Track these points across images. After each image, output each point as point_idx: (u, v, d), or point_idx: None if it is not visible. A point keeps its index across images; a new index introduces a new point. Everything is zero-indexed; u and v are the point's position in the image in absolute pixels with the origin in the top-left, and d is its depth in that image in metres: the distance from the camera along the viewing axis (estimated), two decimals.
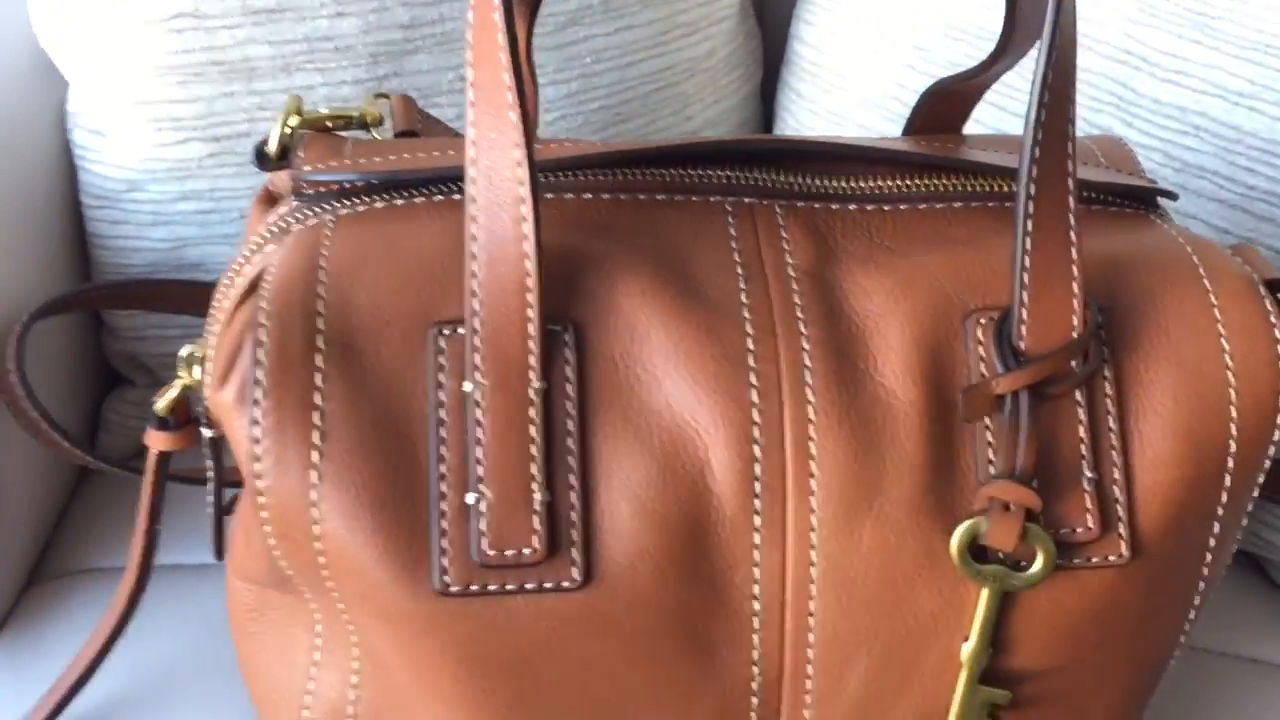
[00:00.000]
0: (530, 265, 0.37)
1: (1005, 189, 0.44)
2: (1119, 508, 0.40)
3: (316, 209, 0.41)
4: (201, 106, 0.59)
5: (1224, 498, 0.42)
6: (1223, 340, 0.41)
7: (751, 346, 0.39)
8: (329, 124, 0.46)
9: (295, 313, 0.38)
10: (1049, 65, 0.38)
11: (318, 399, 0.38)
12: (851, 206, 0.43)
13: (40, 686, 0.53)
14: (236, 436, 0.38)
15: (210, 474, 0.43)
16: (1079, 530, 0.40)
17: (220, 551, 0.44)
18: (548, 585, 0.38)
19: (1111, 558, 0.40)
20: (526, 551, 0.38)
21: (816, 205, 0.43)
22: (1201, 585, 0.43)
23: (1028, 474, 0.39)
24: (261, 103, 0.59)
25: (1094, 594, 0.41)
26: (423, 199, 0.41)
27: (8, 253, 0.57)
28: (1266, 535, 0.60)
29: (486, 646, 0.39)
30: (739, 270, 0.41)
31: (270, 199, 0.45)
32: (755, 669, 0.40)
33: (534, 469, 0.38)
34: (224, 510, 0.44)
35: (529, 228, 0.37)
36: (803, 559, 0.39)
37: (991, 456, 0.40)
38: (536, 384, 0.38)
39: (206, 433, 0.42)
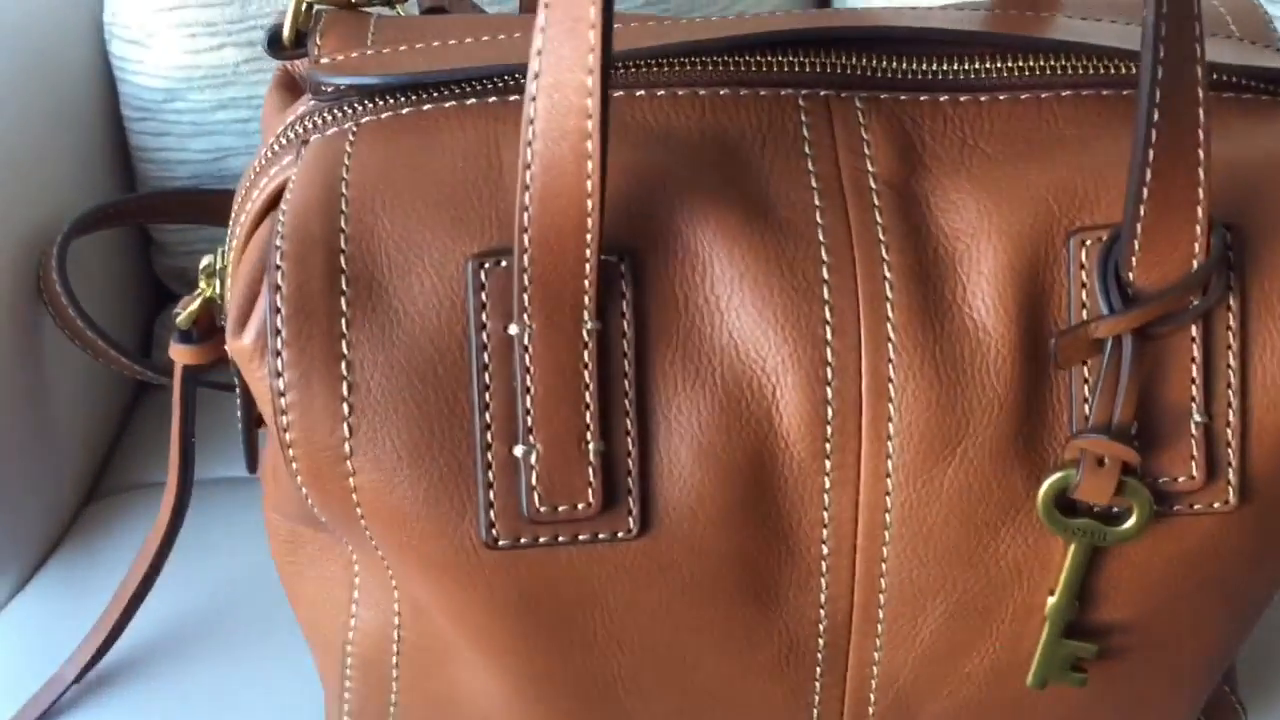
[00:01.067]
0: (592, 204, 0.34)
1: (1122, 71, 0.39)
2: (1230, 451, 0.37)
3: (336, 112, 0.38)
4: (235, 9, 0.59)
5: None
6: None
7: (826, 276, 0.37)
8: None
9: (316, 250, 0.36)
10: None
11: (344, 347, 0.35)
12: (943, 97, 0.39)
13: (99, 599, 0.53)
14: (258, 387, 0.37)
15: (238, 384, 0.41)
16: (1181, 480, 0.37)
17: (253, 465, 0.44)
18: (602, 536, 0.37)
19: (1216, 505, 0.38)
20: (580, 506, 0.36)
21: (903, 96, 0.39)
22: None
23: (1125, 427, 0.36)
24: None
25: (1193, 542, 0.38)
26: (453, 102, 0.38)
27: (51, 166, 0.58)
28: None
29: (535, 597, 0.38)
30: (813, 184, 0.37)
31: (290, 83, 0.42)
32: (822, 612, 0.39)
33: (588, 417, 0.36)
34: (255, 423, 0.42)
35: (594, 165, 0.34)
36: (877, 504, 0.37)
37: (1088, 399, 0.37)
38: (591, 324, 0.35)
39: (230, 340, 0.40)
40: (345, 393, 0.35)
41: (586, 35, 0.33)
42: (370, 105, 0.38)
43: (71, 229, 0.54)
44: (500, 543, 0.36)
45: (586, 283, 0.35)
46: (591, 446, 0.36)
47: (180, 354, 0.43)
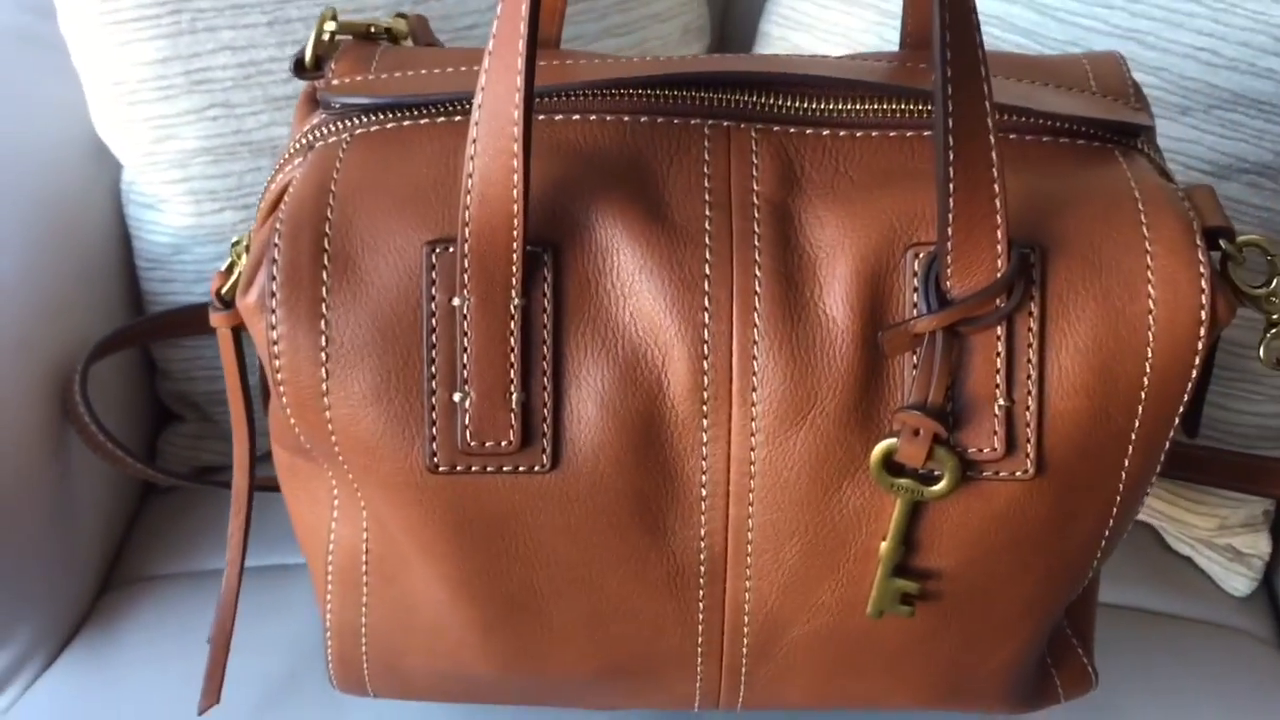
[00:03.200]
0: (517, 207, 0.41)
1: None
2: (1028, 430, 0.42)
3: (337, 124, 0.45)
4: (234, 180, 0.66)
5: (1136, 429, 0.43)
6: (1150, 287, 0.42)
7: (708, 272, 0.43)
8: (369, 29, 0.49)
9: (305, 233, 0.42)
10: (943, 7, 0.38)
11: (323, 309, 0.42)
12: (825, 132, 0.44)
13: (117, 676, 0.58)
14: (258, 337, 0.43)
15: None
16: (985, 450, 0.42)
17: (265, 403, 0.49)
18: (521, 469, 0.43)
19: (1017, 473, 0.43)
20: (504, 443, 0.43)
21: (791, 130, 0.44)
22: (1118, 504, 0.45)
23: (937, 406, 0.42)
24: None
25: (1000, 504, 0.44)
26: (426, 120, 0.45)
27: (73, 312, 0.63)
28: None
29: (467, 515, 0.44)
30: (706, 197, 0.43)
31: (313, 101, 0.48)
32: (702, 544, 0.45)
33: (512, 374, 0.42)
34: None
35: (519, 176, 0.40)
36: (744, 458, 0.43)
37: (915, 375, 0.42)
38: (517, 300, 0.42)
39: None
40: (323, 344, 0.42)
41: (514, 79, 0.40)
42: (364, 120, 0.45)
43: (91, 356, 0.60)
44: (440, 468, 0.43)
45: (514, 267, 0.42)
46: (514, 397, 0.42)
47: (223, 320, 0.47)
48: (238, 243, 0.47)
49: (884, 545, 0.44)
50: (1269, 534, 0.67)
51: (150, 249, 0.69)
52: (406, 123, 0.45)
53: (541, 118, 0.45)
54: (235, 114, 0.65)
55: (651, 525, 0.45)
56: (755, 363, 0.43)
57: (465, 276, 0.42)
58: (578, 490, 0.44)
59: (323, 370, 0.43)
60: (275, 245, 0.42)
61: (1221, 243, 0.43)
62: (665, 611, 0.47)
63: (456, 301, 0.42)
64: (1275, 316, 0.44)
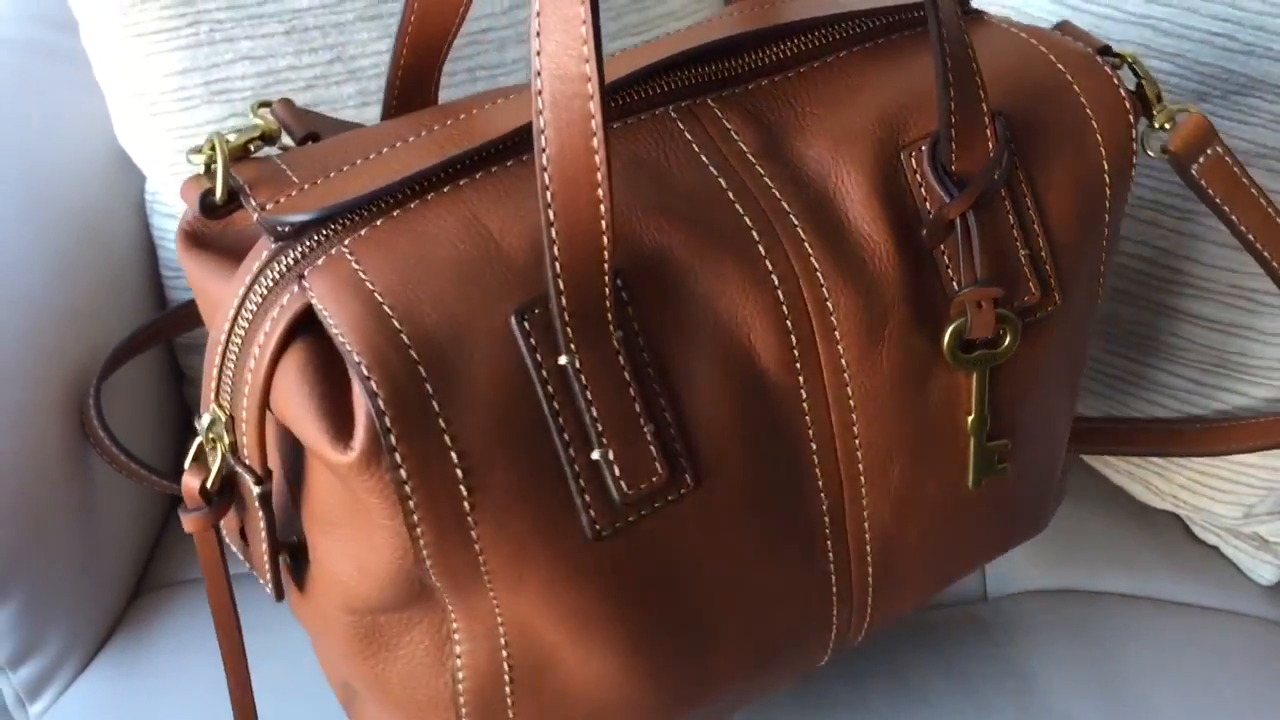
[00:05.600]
0: (606, 239, 0.38)
1: (878, 24, 0.48)
2: (1048, 268, 0.47)
3: (309, 242, 0.39)
4: None
5: (1106, 225, 0.49)
6: (1087, 110, 0.48)
7: (757, 239, 0.43)
8: (250, 148, 0.43)
9: (389, 353, 0.37)
10: None
11: (443, 423, 0.38)
12: (764, 81, 0.46)
13: (148, 680, 0.59)
14: (368, 493, 0.38)
15: (264, 525, 0.41)
16: (1027, 297, 0.47)
17: (280, 594, 0.44)
18: (671, 498, 0.42)
19: (1050, 308, 0.47)
20: (655, 479, 0.41)
21: (738, 89, 0.45)
22: (1098, 300, 0.51)
23: (987, 276, 0.45)
24: None
25: (1048, 340, 0.48)
26: (416, 201, 0.40)
27: (99, 322, 0.64)
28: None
29: (630, 568, 0.42)
30: (714, 174, 0.43)
31: (195, 238, 0.43)
32: (822, 495, 0.45)
33: (637, 408, 0.40)
34: (276, 552, 0.42)
35: (605, 208, 0.38)
36: (841, 395, 0.45)
37: (949, 266, 0.45)
38: (617, 336, 0.40)
39: (256, 489, 0.41)
40: (456, 460, 0.38)
41: (587, 106, 0.36)
42: (340, 228, 0.39)
43: (103, 372, 0.59)
44: (604, 534, 0.41)
45: (607, 303, 0.39)
46: (648, 430, 0.40)
47: (203, 521, 0.41)
48: (211, 422, 0.41)
49: (970, 420, 0.47)
50: None
51: (174, 259, 0.70)
52: (396, 212, 0.40)
53: (525, 157, 0.43)
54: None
55: (782, 501, 0.45)
56: (828, 303, 0.44)
57: (567, 330, 0.39)
58: (719, 496, 0.43)
59: (463, 488, 0.39)
60: (367, 378, 0.37)
61: (1108, 57, 0.50)
62: (804, 578, 0.47)
63: (564, 360, 0.39)
64: (1154, 112, 0.51)
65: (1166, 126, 0.50)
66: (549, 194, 0.37)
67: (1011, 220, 0.46)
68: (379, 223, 0.40)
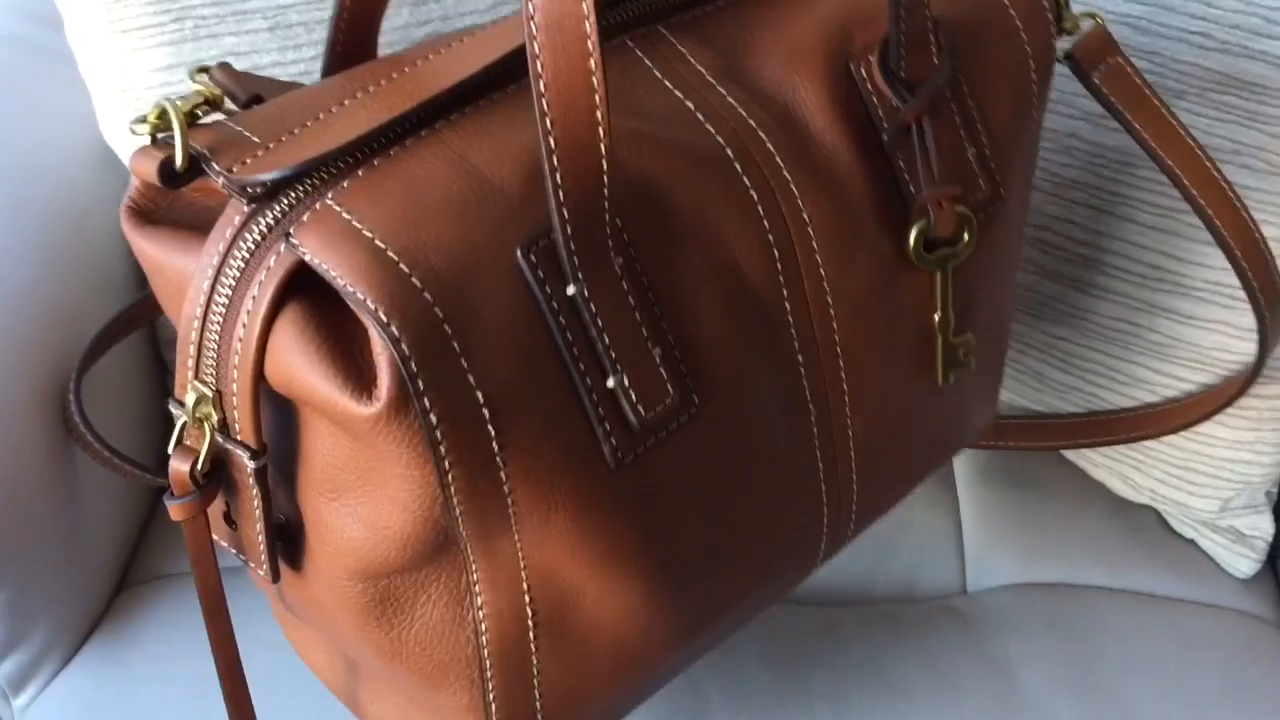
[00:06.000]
0: (605, 163, 0.37)
1: None
2: (991, 164, 0.49)
3: (284, 201, 0.38)
4: None
5: (1034, 132, 0.51)
6: (1014, 18, 0.50)
7: (731, 156, 0.43)
8: (197, 114, 0.40)
9: (407, 299, 0.36)
10: None
11: (465, 364, 0.37)
12: (709, 8, 0.46)
13: (132, 672, 0.59)
14: (399, 437, 0.37)
15: (258, 502, 0.40)
16: (979, 194, 0.49)
17: (278, 574, 0.42)
18: (683, 419, 0.42)
19: (998, 204, 0.50)
20: (668, 402, 0.41)
21: (685, 16, 0.46)
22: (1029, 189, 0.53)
23: (945, 176, 0.47)
24: None
25: (992, 240, 0.50)
26: (395, 148, 0.39)
27: (84, 319, 0.64)
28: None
29: (649, 494, 0.42)
30: (679, 95, 0.44)
31: (144, 214, 0.42)
32: (810, 402, 0.46)
33: (644, 332, 0.40)
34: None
35: (603, 130, 0.37)
36: (821, 299, 0.46)
37: (905, 170, 0.47)
38: (618, 262, 0.40)
39: (251, 464, 0.39)
40: (482, 400, 0.38)
41: (585, 45, 0.36)
42: (319, 182, 0.38)
43: (85, 358, 0.58)
44: (626, 460, 0.41)
45: (607, 230, 0.39)
46: (656, 354, 0.41)
47: (192, 509, 0.39)
48: (197, 399, 0.39)
49: (937, 318, 0.49)
50: (1272, 515, 0.67)
51: None
52: (376, 160, 0.39)
53: (496, 95, 0.42)
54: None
55: (776, 413, 0.45)
56: (804, 214, 0.45)
57: (574, 259, 0.39)
58: (723, 414, 0.43)
59: (490, 428, 0.38)
60: (386, 326, 0.36)
61: None
62: (800, 485, 0.48)
63: (572, 290, 0.39)
64: (1064, 18, 0.52)
65: (1072, 31, 0.53)
66: (548, 120, 0.37)
67: (958, 121, 0.48)
68: (360, 173, 0.38)
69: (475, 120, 0.41)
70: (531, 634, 0.43)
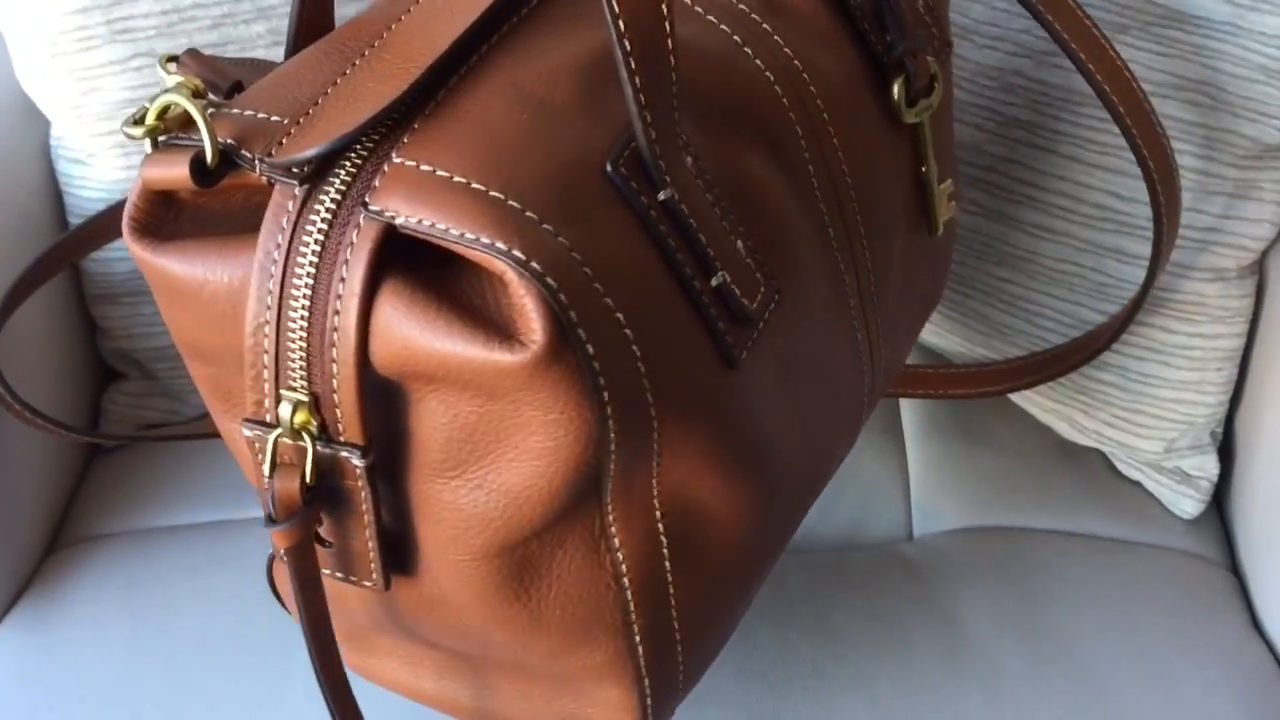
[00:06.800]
0: (673, 60, 0.37)
1: None
2: (936, 12, 0.52)
3: (345, 173, 0.35)
4: None
5: None
6: None
7: (741, 44, 0.44)
8: (197, 90, 0.38)
9: (532, 236, 0.35)
10: None
11: (599, 288, 0.36)
12: None
13: (61, 637, 0.58)
14: (558, 379, 0.35)
15: (368, 504, 0.38)
16: (935, 42, 0.51)
17: (389, 580, 0.40)
18: (773, 305, 0.43)
19: (947, 49, 0.52)
20: (763, 290, 0.42)
21: None
22: None
23: (912, 28, 0.49)
24: None
25: (947, 88, 0.53)
26: (442, 92, 0.38)
27: (5, 271, 0.62)
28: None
29: (759, 389, 0.43)
30: (710, 18, 0.44)
31: (155, 230, 0.38)
32: (840, 264, 0.47)
33: (726, 225, 0.41)
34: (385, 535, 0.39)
35: (669, 24, 0.37)
36: (839, 173, 0.47)
37: (870, 32, 0.48)
38: (689, 161, 0.40)
39: (360, 463, 0.36)
40: (624, 322, 0.37)
41: None
42: (371, 144, 0.36)
43: (4, 307, 0.56)
44: (742, 355, 0.41)
45: (678, 129, 0.39)
46: (742, 247, 0.41)
47: (298, 532, 0.36)
48: (299, 416, 0.36)
49: (925, 170, 0.52)
50: (1216, 456, 0.67)
51: (81, 204, 0.68)
52: (428, 109, 0.37)
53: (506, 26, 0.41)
54: (158, 63, 0.63)
55: (827, 287, 0.47)
56: (810, 86, 0.46)
57: (661, 164, 0.38)
58: (796, 294, 0.44)
59: (635, 349, 0.37)
60: (528, 264, 0.34)
61: None
62: (852, 354, 0.50)
63: (663, 195, 0.39)
64: None
65: None
66: (621, 23, 0.36)
67: None
68: (416, 125, 0.36)
69: (505, 51, 0.40)
70: (667, 564, 0.42)
